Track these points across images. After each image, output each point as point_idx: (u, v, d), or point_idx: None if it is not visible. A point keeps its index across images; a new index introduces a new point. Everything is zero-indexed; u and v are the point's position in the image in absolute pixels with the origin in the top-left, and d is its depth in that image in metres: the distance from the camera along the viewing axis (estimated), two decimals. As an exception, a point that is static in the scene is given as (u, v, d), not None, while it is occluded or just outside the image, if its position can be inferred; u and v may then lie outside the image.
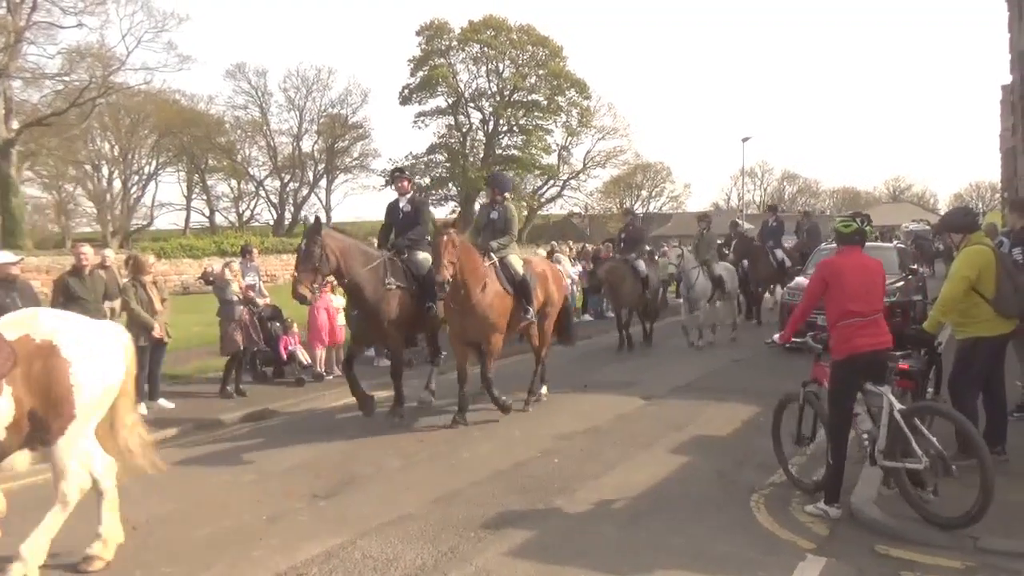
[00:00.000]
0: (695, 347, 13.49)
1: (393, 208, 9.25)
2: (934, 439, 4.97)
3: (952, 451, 5.16)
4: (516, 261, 8.65)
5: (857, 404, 5.40)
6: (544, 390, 9.47)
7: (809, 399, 5.84)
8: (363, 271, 8.19)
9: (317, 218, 8.50)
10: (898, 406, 5.17)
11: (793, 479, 5.95)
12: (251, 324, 10.00)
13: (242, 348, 9.79)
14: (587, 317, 17.61)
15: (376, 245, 9.24)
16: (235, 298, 9.78)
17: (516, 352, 10.95)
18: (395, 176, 9.52)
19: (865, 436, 5.38)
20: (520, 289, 8.52)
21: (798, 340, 5.83)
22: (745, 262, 16.45)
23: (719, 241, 19.73)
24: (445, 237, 7.57)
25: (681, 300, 14.18)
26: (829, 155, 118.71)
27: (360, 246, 8.56)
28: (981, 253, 5.99)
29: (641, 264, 13.67)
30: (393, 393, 8.80)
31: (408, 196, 9.22)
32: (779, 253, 17.04)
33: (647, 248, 15.63)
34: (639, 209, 62.85)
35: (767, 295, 17.78)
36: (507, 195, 9.17)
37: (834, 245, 6.31)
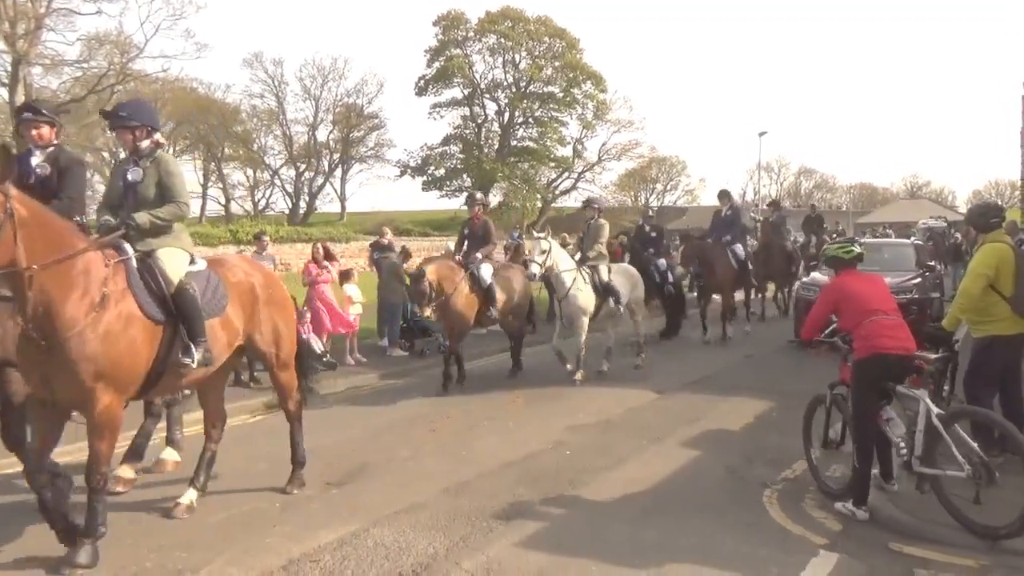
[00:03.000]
0: (577, 383, 9.82)
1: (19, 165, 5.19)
2: (975, 445, 4.83)
3: None
4: (172, 258, 5.03)
5: (890, 408, 5.30)
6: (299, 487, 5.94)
7: (836, 401, 5.73)
8: None
9: None
10: (936, 411, 5.03)
11: (822, 484, 5.76)
12: None
13: None
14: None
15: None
16: None
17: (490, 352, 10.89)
18: (22, 117, 5.57)
19: (901, 441, 5.20)
20: (178, 311, 4.88)
21: (826, 340, 5.73)
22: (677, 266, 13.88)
23: (621, 235, 16.57)
24: None
25: (558, 316, 10.27)
26: (846, 150, 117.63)
27: None
28: (999, 251, 5.94)
29: (485, 270, 9.95)
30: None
31: (49, 150, 5.43)
32: (739, 250, 13.86)
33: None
34: (654, 203, 62.57)
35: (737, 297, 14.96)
36: (159, 138, 5.28)
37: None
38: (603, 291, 10.27)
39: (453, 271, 9.76)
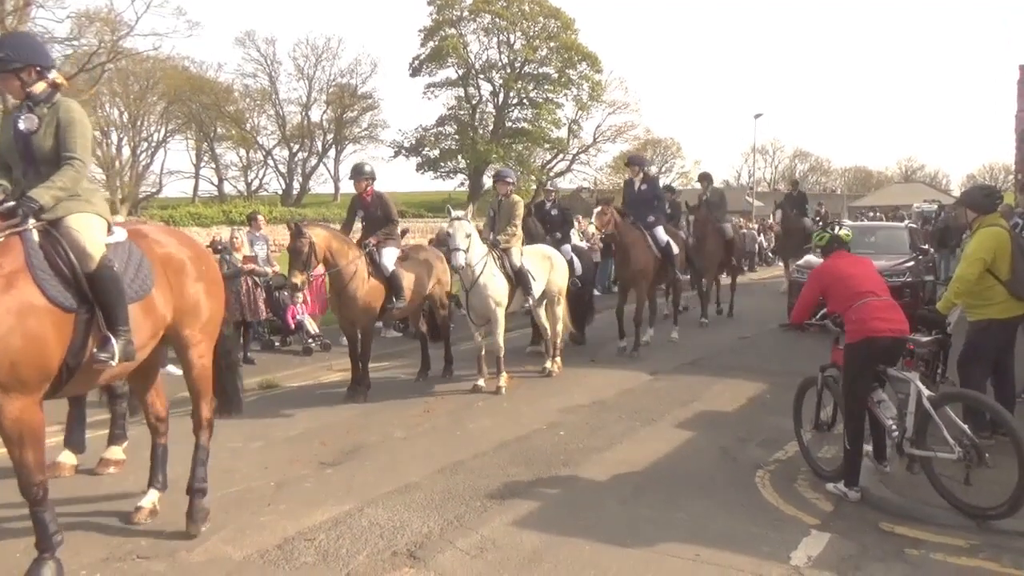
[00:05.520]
0: (480, 389, 8.52)
1: None
2: (966, 427, 4.86)
3: None
4: (88, 227, 4.12)
5: (881, 390, 5.31)
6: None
7: (828, 384, 5.74)
8: None
9: None
10: (927, 393, 5.05)
11: (813, 465, 5.76)
12: (250, 295, 10.21)
13: (243, 319, 9.99)
14: (595, 292, 14.88)
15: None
16: (234, 268, 9.99)
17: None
18: None
19: (892, 423, 5.22)
20: (96, 295, 4.03)
21: (817, 322, 5.72)
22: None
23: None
24: None
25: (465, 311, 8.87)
26: (841, 133, 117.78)
27: None
28: (996, 235, 5.93)
29: (387, 255, 8.38)
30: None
31: None
32: (660, 234, 10.94)
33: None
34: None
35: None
36: (56, 78, 4.25)
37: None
38: (515, 279, 8.83)
39: (348, 246, 8.16)
